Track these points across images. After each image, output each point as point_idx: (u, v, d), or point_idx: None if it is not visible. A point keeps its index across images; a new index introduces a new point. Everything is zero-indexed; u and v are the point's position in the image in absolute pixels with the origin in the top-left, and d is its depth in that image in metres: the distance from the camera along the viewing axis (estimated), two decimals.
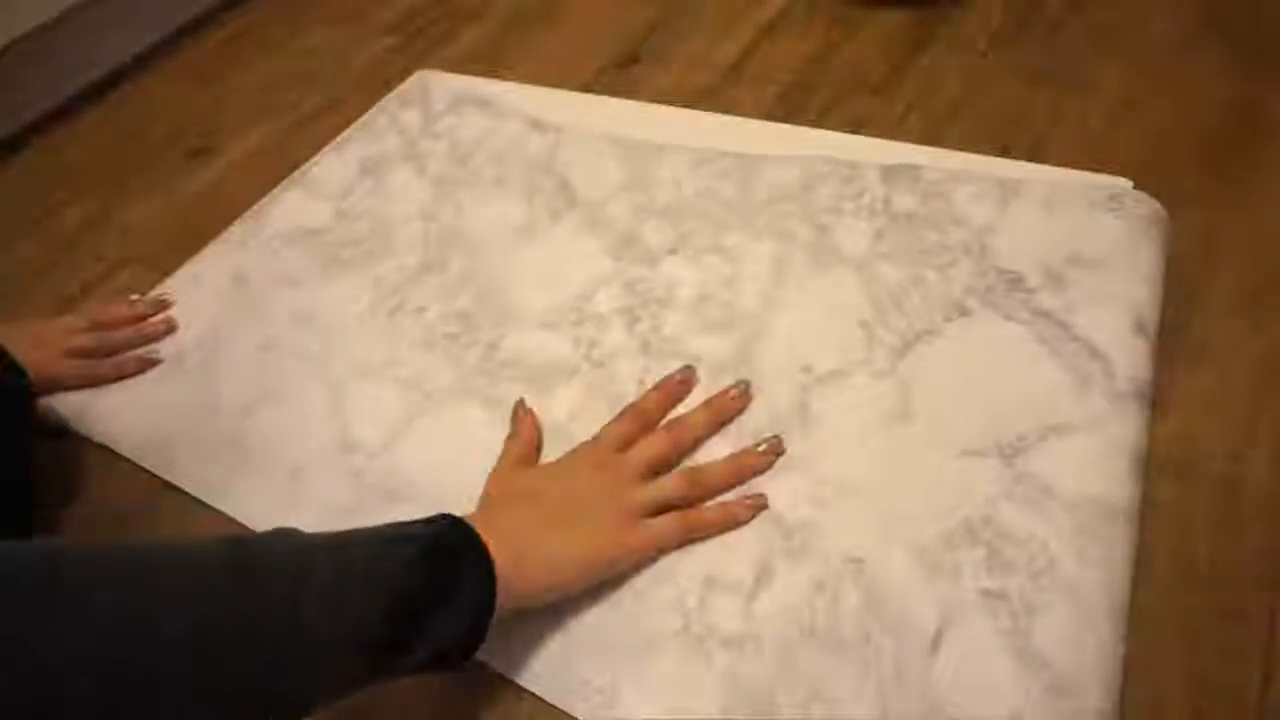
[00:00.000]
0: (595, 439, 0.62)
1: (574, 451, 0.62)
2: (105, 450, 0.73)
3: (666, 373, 0.67)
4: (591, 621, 0.56)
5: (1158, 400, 0.62)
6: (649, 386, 0.66)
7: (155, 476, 0.70)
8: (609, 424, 0.63)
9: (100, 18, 1.12)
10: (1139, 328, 0.63)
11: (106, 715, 0.39)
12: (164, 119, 1.09)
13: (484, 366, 0.71)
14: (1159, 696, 0.50)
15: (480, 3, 1.15)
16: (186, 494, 0.69)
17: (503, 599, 0.51)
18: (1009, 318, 0.65)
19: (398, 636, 0.47)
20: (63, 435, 0.74)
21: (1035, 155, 0.79)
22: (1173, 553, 0.55)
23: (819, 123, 0.87)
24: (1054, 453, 0.58)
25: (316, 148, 0.98)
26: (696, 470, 0.61)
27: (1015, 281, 0.67)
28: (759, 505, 0.59)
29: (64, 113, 1.12)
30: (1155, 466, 0.59)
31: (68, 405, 0.74)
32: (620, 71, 0.99)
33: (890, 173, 0.76)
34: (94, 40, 1.13)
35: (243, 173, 0.99)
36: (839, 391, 0.64)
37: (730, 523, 0.59)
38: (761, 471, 0.61)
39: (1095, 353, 0.62)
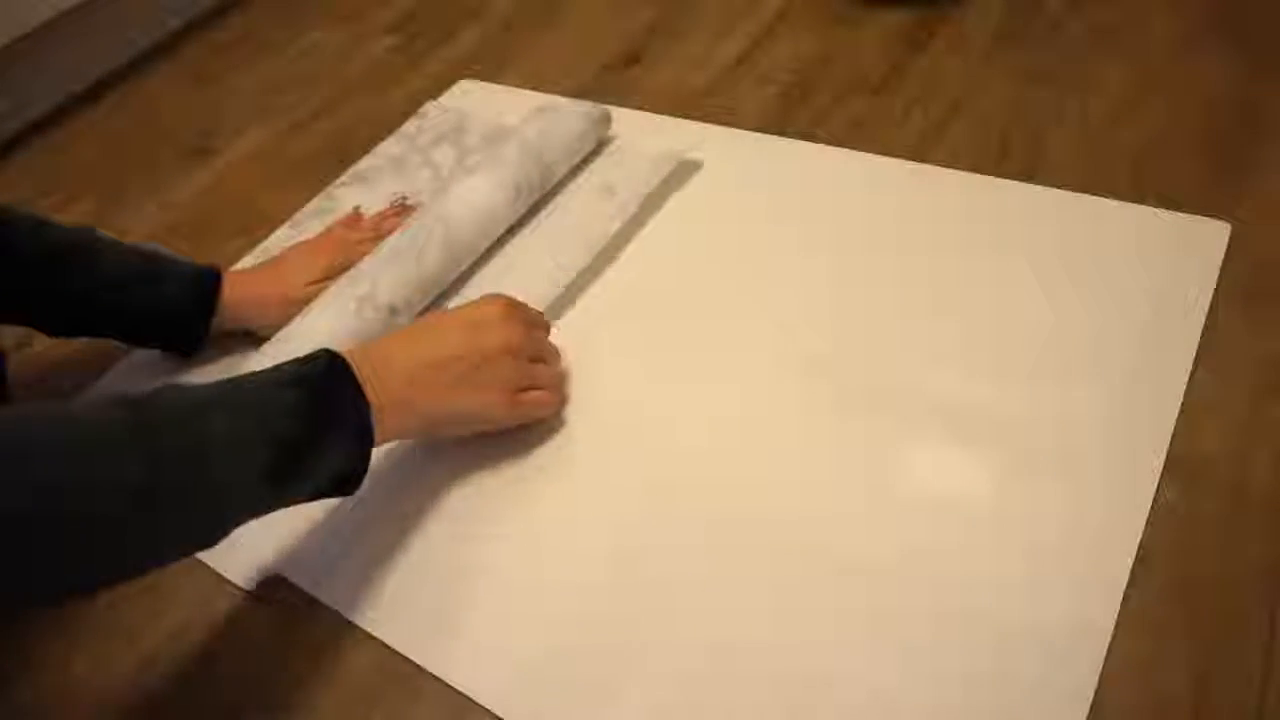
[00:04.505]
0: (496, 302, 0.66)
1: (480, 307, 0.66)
2: None
3: None
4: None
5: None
6: None
7: None
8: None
9: (100, 18, 1.12)
10: None
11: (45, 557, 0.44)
12: (163, 119, 1.09)
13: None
14: (1160, 695, 0.50)
15: (480, 3, 1.15)
16: None
17: (383, 433, 0.57)
18: None
19: (290, 470, 0.52)
20: None
21: (1035, 155, 0.78)
22: (1174, 553, 0.55)
23: (819, 122, 0.87)
24: None
25: (315, 148, 0.99)
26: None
27: None
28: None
29: (64, 113, 1.12)
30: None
31: None
32: (620, 71, 0.99)
33: None
34: (94, 40, 1.13)
35: (241, 173, 0.99)
36: None
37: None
38: None
39: None
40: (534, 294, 0.73)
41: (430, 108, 0.99)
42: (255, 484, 0.51)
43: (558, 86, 0.97)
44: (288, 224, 0.89)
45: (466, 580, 0.61)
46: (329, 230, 0.84)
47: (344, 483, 0.56)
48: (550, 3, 1.12)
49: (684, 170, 0.83)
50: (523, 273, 0.78)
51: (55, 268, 0.69)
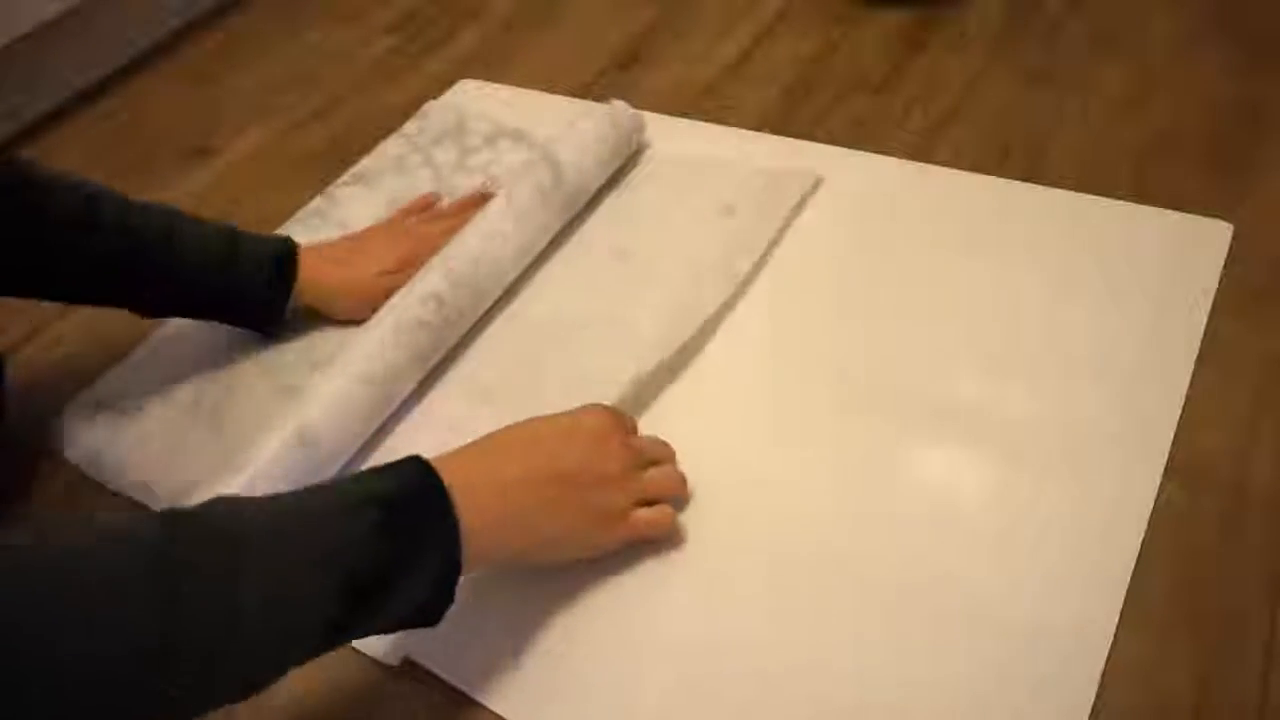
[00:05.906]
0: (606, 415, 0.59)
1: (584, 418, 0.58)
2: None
3: None
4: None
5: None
6: None
7: None
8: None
9: (100, 18, 1.12)
10: None
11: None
12: (163, 119, 1.09)
13: None
14: (1161, 695, 0.50)
15: (480, 3, 1.15)
16: None
17: (473, 561, 0.49)
18: None
19: (352, 613, 0.45)
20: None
21: (1036, 155, 0.79)
22: (1175, 552, 0.55)
23: (819, 122, 0.87)
24: None
25: (315, 148, 0.99)
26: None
27: None
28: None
29: (64, 113, 1.12)
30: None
31: (81, 452, 0.73)
32: (620, 71, 0.99)
33: None
34: (93, 41, 1.13)
35: (241, 173, 0.99)
36: None
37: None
38: None
39: None
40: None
41: (430, 108, 0.99)
42: (302, 639, 0.44)
43: (558, 86, 0.97)
44: (289, 223, 0.89)
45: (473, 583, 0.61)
46: (406, 210, 0.84)
47: (415, 620, 0.49)
48: (550, 3, 1.12)
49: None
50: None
51: (142, 248, 0.68)
